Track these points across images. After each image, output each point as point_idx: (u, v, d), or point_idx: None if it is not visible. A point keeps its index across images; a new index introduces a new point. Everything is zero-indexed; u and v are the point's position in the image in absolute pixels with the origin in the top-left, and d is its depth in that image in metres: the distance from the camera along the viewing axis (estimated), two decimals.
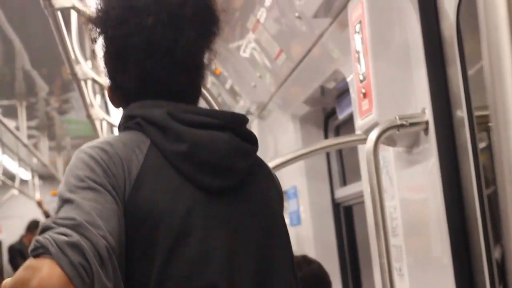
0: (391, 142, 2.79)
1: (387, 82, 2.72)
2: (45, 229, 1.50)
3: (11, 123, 7.15)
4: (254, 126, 5.69)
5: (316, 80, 4.07)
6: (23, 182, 9.66)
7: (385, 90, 2.72)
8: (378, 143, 2.62)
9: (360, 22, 2.78)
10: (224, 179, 1.71)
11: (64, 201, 1.55)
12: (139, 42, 1.73)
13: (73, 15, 3.91)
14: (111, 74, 1.82)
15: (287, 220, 5.18)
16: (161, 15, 1.73)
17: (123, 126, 1.78)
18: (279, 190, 1.91)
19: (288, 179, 5.14)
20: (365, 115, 2.82)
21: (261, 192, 1.81)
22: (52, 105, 7.05)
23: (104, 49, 1.80)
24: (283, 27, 3.79)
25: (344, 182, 4.78)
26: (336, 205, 4.81)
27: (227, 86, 5.52)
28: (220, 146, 1.71)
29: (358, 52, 2.82)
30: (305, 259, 3.30)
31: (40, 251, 1.45)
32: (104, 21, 1.78)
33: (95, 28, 1.80)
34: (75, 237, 1.46)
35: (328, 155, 4.81)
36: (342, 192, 4.71)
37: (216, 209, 1.70)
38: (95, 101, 5.85)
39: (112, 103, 1.89)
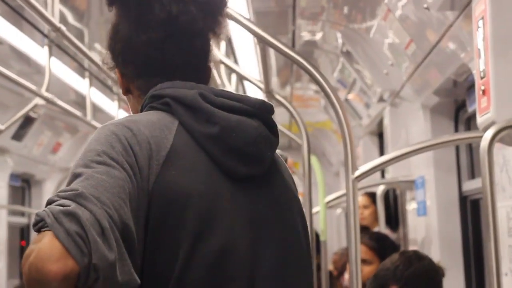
0: (509, 141, 2.75)
1: (507, 80, 2.67)
2: (48, 202, 1.46)
3: None
4: (386, 114, 5.67)
5: (445, 71, 4.02)
6: None
7: (504, 88, 2.67)
8: (493, 142, 2.58)
9: (482, 18, 2.74)
10: (251, 166, 1.69)
11: (75, 175, 1.51)
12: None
13: None
14: (134, 54, 1.80)
15: (414, 209, 5.18)
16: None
17: (148, 106, 1.75)
18: (295, 184, 1.87)
19: (416, 168, 5.11)
20: (484, 112, 2.78)
21: (282, 185, 1.78)
22: None
23: (131, 21, 1.79)
24: (413, 17, 3.76)
25: (472, 175, 4.71)
26: (463, 198, 4.74)
27: (358, 68, 5.53)
28: (249, 132, 1.68)
29: (479, 49, 2.79)
30: (416, 255, 3.27)
31: (40, 225, 1.41)
32: None
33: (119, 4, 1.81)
34: (72, 206, 1.41)
35: (457, 146, 4.74)
36: (470, 185, 4.64)
37: (240, 197, 1.67)
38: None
39: (123, 89, 1.88)
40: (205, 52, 1.84)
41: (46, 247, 1.38)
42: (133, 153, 1.57)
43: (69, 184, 1.50)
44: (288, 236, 1.73)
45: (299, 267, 1.74)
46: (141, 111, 1.77)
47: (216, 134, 1.65)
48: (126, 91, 1.86)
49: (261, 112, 1.73)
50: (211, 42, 1.84)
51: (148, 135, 1.61)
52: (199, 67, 1.83)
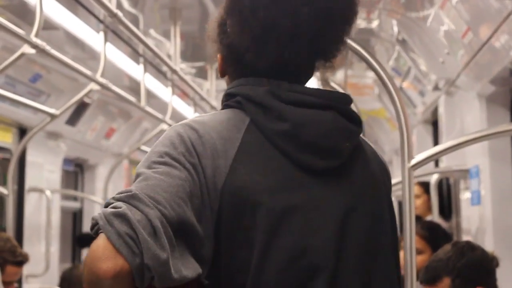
0: None
1: None
2: (105, 205, 1.50)
3: (204, 84, 7.40)
4: (441, 103, 5.62)
5: (502, 60, 3.97)
6: None
7: None
8: None
9: None
10: (327, 159, 1.66)
11: (136, 176, 1.56)
12: (287, 26, 1.68)
13: None
14: (238, 48, 1.74)
15: (468, 199, 5.14)
16: (315, 4, 1.69)
17: (224, 104, 1.76)
18: (387, 172, 1.83)
19: (471, 157, 5.06)
20: None
21: (366, 174, 1.74)
22: None
23: (237, 21, 1.73)
24: (471, 6, 3.72)
25: None
26: None
27: (413, 57, 5.49)
28: (323, 126, 1.65)
29: None
30: (469, 245, 3.23)
31: (96, 228, 1.47)
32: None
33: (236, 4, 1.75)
34: (123, 207, 1.45)
35: None
36: None
37: (318, 191, 1.65)
38: None
39: (223, 72, 1.85)
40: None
41: (98, 248, 1.43)
42: (196, 154, 1.59)
43: (134, 178, 1.55)
44: (373, 227, 1.70)
45: (385, 260, 1.70)
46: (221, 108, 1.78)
47: (288, 131, 1.64)
48: (223, 73, 1.86)
49: (337, 104, 1.70)
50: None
51: (215, 136, 1.62)
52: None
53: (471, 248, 3.20)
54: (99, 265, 1.41)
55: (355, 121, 1.73)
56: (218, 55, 1.84)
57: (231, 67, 1.81)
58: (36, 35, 3.66)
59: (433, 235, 4.48)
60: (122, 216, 1.44)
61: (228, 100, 1.74)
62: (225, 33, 1.77)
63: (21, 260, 4.39)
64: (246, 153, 1.62)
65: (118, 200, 1.49)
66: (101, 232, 1.45)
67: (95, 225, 1.47)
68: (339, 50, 1.78)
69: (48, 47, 3.84)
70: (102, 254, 1.42)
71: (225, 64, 1.83)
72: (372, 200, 1.72)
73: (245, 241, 1.58)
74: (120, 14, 3.66)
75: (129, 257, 1.41)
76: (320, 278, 1.58)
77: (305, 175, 1.64)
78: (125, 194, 1.49)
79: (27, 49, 3.73)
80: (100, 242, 1.43)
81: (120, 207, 1.46)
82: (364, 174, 1.74)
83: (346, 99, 1.74)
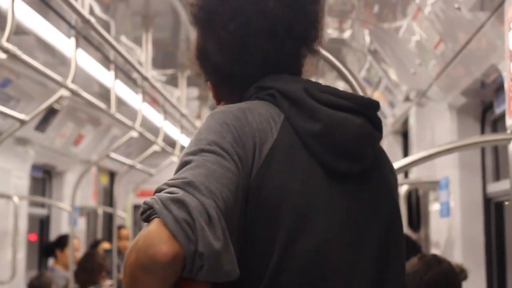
0: None
1: None
2: (157, 191, 1.48)
3: (175, 92, 7.38)
4: (412, 113, 5.64)
5: (473, 72, 4.00)
6: (184, 149, 9.82)
7: None
8: None
9: None
10: (352, 164, 1.66)
11: (185, 163, 1.52)
12: (262, 27, 1.70)
13: None
14: (224, 65, 1.76)
15: (437, 210, 5.16)
16: None
17: (254, 97, 1.73)
18: (396, 179, 1.83)
19: (441, 169, 5.08)
20: None
21: (383, 180, 1.74)
22: None
23: (214, 42, 1.76)
24: (443, 17, 3.74)
25: (497, 177, 4.67)
26: (487, 200, 4.71)
27: (384, 67, 5.51)
28: (353, 130, 1.65)
29: (511, 50, 2.76)
30: (435, 259, 3.22)
31: (149, 212, 1.44)
32: (215, 17, 1.74)
33: (202, 25, 1.78)
34: (181, 193, 1.43)
35: (482, 148, 4.70)
36: (494, 187, 4.61)
37: (339, 195, 1.64)
38: None
39: (218, 98, 1.85)
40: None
41: (154, 232, 1.40)
42: (242, 145, 1.58)
43: (177, 171, 1.52)
44: (387, 234, 1.69)
45: (396, 267, 1.70)
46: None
47: (318, 131, 1.63)
48: (219, 100, 1.86)
49: (367, 110, 1.71)
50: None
51: (255, 127, 1.61)
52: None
53: (438, 261, 3.20)
54: (156, 249, 1.38)
55: (380, 128, 1.74)
56: (209, 84, 1.85)
57: (224, 87, 1.82)
58: (8, 40, 3.62)
59: None
60: (179, 202, 1.42)
61: (259, 93, 1.72)
62: (207, 58, 1.79)
63: None
64: (279, 150, 1.61)
65: (173, 186, 1.46)
66: (155, 217, 1.42)
67: (147, 209, 1.44)
68: (318, 31, 1.79)
69: (19, 53, 3.80)
70: (159, 238, 1.39)
71: (217, 89, 1.84)
72: (387, 208, 1.73)
73: (265, 241, 1.57)
74: (93, 20, 3.63)
75: (184, 243, 1.39)
76: (335, 281, 1.59)
77: (328, 177, 1.64)
78: (181, 180, 1.46)
79: None
80: (156, 226, 1.40)
81: (177, 193, 1.44)
82: (381, 181, 1.74)
83: (376, 106, 1.75)
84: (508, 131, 2.89)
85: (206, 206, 1.43)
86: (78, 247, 8.17)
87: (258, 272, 1.57)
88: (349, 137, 1.65)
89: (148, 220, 1.44)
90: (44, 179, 8.33)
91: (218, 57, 1.76)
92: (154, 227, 1.41)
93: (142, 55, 5.56)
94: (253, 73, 1.74)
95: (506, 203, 4.47)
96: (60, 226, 8.21)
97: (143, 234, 1.41)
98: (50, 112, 6.81)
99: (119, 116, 6.07)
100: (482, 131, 4.73)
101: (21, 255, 6.95)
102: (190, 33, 5.59)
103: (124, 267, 1.44)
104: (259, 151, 1.59)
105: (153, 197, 1.45)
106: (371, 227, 1.67)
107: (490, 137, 4.05)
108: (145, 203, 1.45)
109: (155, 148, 7.77)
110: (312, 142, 1.63)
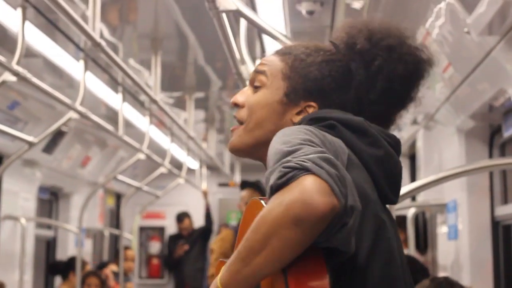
0: None
1: None
2: (287, 166, 1.42)
3: (182, 114, 7.39)
4: (419, 137, 5.65)
5: (482, 96, 4.00)
6: (190, 171, 9.77)
7: None
8: None
9: None
10: (395, 196, 1.73)
11: (287, 153, 1.47)
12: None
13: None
14: (322, 93, 1.82)
15: (444, 233, 5.15)
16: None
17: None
18: None
19: (449, 192, 5.08)
20: None
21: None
22: (224, 99, 7.16)
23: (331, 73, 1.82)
24: (452, 41, 3.75)
25: (505, 200, 4.67)
26: (495, 223, 4.70)
27: None
28: (398, 165, 1.73)
29: None
30: (447, 281, 3.23)
31: (290, 175, 1.40)
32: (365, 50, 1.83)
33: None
34: (327, 154, 1.43)
35: (491, 171, 4.70)
36: (502, 210, 4.61)
37: (388, 219, 1.68)
38: None
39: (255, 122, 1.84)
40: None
41: (312, 184, 1.37)
42: (326, 148, 1.55)
43: (275, 163, 1.46)
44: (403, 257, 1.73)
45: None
46: None
47: (382, 157, 1.69)
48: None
49: (399, 150, 1.78)
50: None
51: (330, 139, 1.60)
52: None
53: (450, 284, 3.20)
54: (319, 199, 1.35)
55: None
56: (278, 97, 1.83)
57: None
58: (18, 63, 3.64)
59: (411, 270, 4.48)
60: (328, 160, 1.42)
61: (314, 124, 1.70)
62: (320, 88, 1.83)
63: None
64: (350, 161, 1.62)
65: (312, 153, 1.43)
66: (303, 175, 1.39)
67: (287, 173, 1.40)
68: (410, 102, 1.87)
69: (29, 75, 3.82)
70: (318, 189, 1.36)
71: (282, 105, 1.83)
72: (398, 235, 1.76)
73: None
74: (103, 43, 3.65)
75: (340, 196, 1.38)
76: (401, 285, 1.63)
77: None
78: (317, 154, 1.43)
79: (8, 76, 3.70)
80: (311, 180, 1.37)
81: (323, 153, 1.44)
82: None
83: (401, 147, 1.81)
84: None
85: (342, 173, 1.43)
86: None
87: (346, 267, 1.56)
88: (396, 171, 1.72)
89: (288, 182, 1.40)
90: (51, 201, 8.34)
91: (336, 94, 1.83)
92: (309, 182, 1.37)
93: (151, 78, 5.58)
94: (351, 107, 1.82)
95: None
96: (66, 248, 8.22)
97: (298, 188, 1.38)
98: (58, 134, 6.84)
99: (126, 138, 6.08)
100: (490, 155, 4.73)
101: (28, 276, 6.96)
102: (198, 56, 5.61)
103: (257, 222, 1.41)
104: (340, 158, 1.59)
105: (293, 162, 1.42)
106: (401, 251, 1.70)
107: (498, 161, 4.05)
108: (284, 167, 1.41)
109: (161, 170, 7.79)
110: (376, 167, 1.68)
